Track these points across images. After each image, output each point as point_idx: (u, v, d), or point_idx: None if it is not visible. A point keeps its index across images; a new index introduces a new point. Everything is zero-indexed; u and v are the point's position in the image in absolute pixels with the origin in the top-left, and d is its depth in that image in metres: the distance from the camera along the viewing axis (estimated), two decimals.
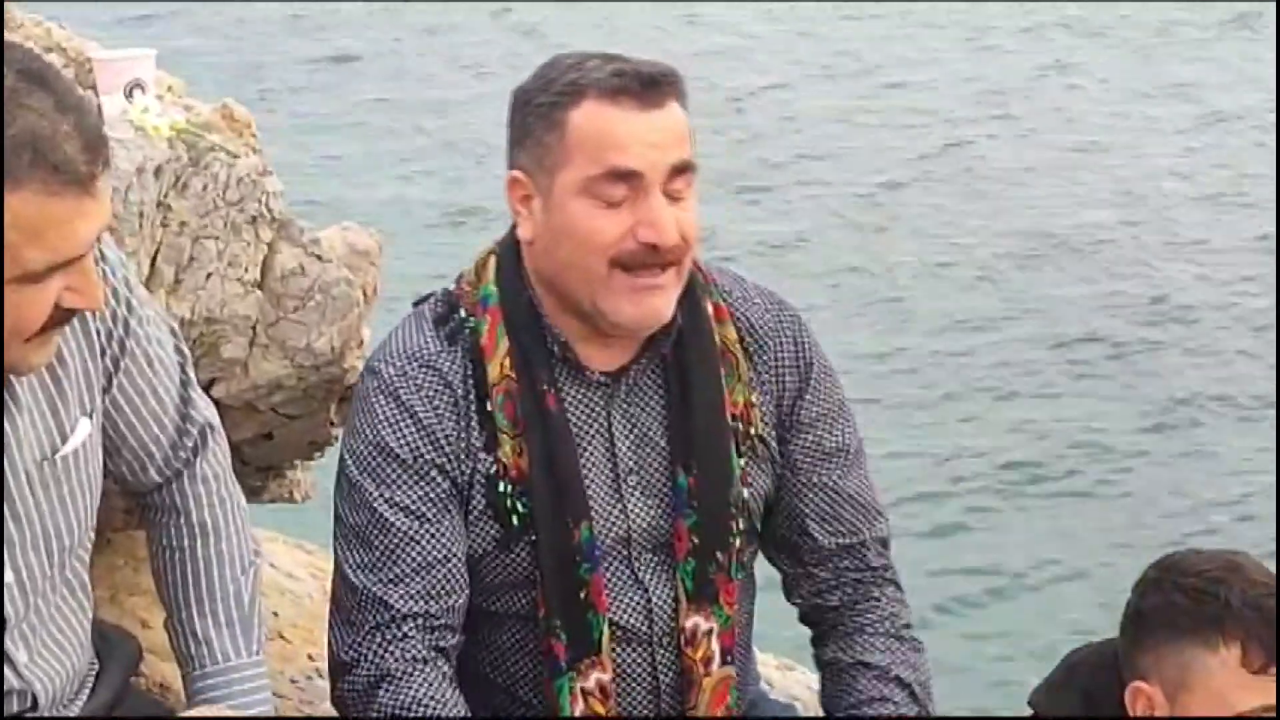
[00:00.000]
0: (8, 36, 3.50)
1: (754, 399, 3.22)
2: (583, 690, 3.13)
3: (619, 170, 2.98)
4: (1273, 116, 19.33)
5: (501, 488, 3.09)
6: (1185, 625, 3.21)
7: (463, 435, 3.11)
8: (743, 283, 3.32)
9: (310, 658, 3.75)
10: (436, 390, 3.10)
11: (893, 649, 3.31)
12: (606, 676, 3.13)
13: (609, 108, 2.98)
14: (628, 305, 3.03)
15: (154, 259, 3.57)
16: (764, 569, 3.42)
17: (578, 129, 2.99)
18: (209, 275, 3.65)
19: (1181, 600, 3.23)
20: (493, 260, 3.17)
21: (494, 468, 3.10)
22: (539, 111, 3.05)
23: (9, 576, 2.73)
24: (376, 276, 3.95)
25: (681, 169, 3.01)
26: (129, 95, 3.65)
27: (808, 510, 3.29)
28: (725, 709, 3.23)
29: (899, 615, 3.35)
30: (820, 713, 3.52)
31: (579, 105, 2.99)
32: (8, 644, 2.76)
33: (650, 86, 3.01)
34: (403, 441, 3.08)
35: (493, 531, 3.11)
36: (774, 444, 3.26)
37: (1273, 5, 21.72)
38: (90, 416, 2.83)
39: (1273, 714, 3.22)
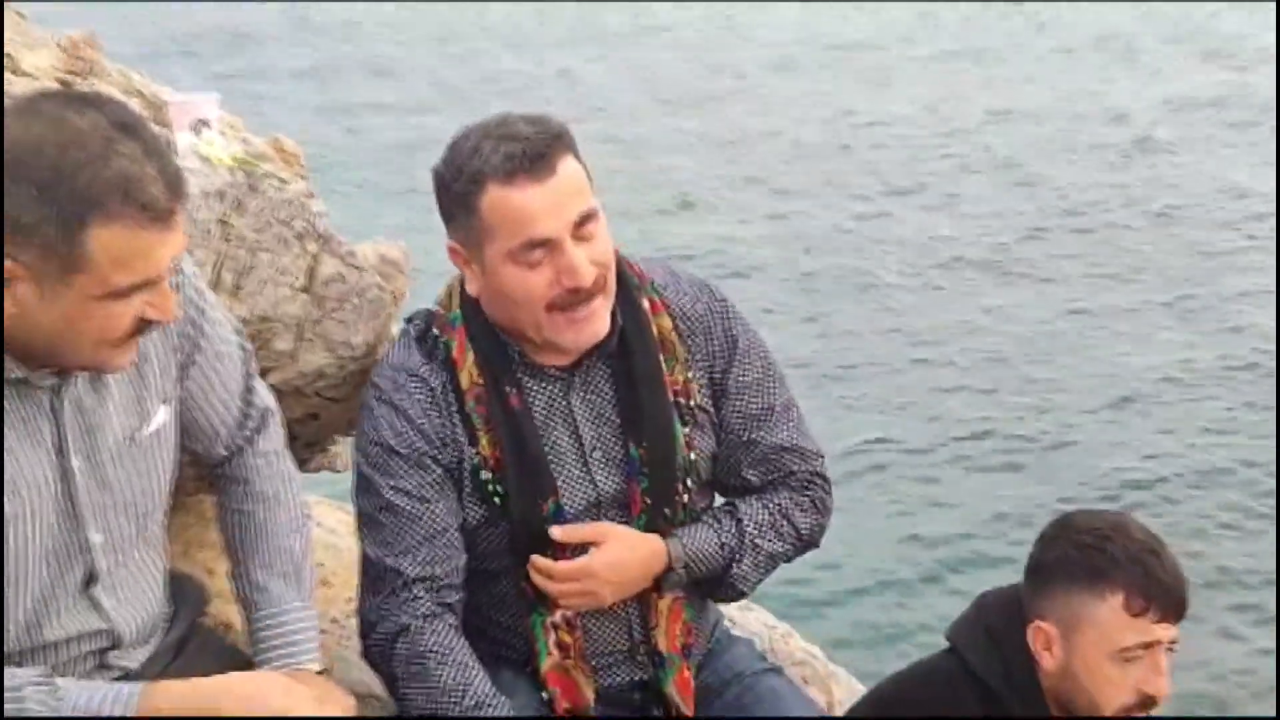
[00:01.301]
0: (98, 86, 3.49)
1: (690, 375, 3.23)
2: (552, 624, 3.16)
3: (532, 240, 2.98)
4: None
5: (483, 475, 3.13)
6: (1078, 575, 3.25)
7: (448, 431, 3.13)
8: (675, 276, 3.32)
9: (348, 600, 3.70)
10: (423, 396, 3.13)
11: (763, 503, 3.33)
12: (570, 612, 3.17)
13: (510, 191, 2.97)
14: (569, 334, 3.07)
15: (218, 268, 3.54)
16: None
17: (489, 214, 3.00)
18: (264, 282, 3.63)
19: (1075, 553, 3.28)
20: (458, 287, 3.20)
21: (476, 458, 3.13)
22: (455, 199, 3.06)
23: (99, 537, 2.77)
24: (404, 282, 3.92)
25: (584, 218, 3.02)
26: (196, 131, 3.63)
27: (743, 460, 3.32)
28: (683, 623, 3.25)
29: (781, 506, 3.34)
30: (769, 642, 3.58)
31: (485, 192, 2.98)
32: (98, 591, 2.80)
33: (538, 160, 2.98)
34: (400, 439, 3.11)
35: (480, 511, 3.15)
36: (712, 410, 3.28)
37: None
38: (167, 403, 2.85)
39: (1154, 645, 3.26)
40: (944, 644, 3.44)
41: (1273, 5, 22.29)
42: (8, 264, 2.51)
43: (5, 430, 2.66)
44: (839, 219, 16.81)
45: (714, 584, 3.30)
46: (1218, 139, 19.83)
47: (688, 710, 3.25)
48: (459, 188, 3.04)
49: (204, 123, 3.70)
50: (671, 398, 3.21)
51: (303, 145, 3.96)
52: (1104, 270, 15.40)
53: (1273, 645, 9.33)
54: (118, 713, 2.58)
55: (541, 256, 3.00)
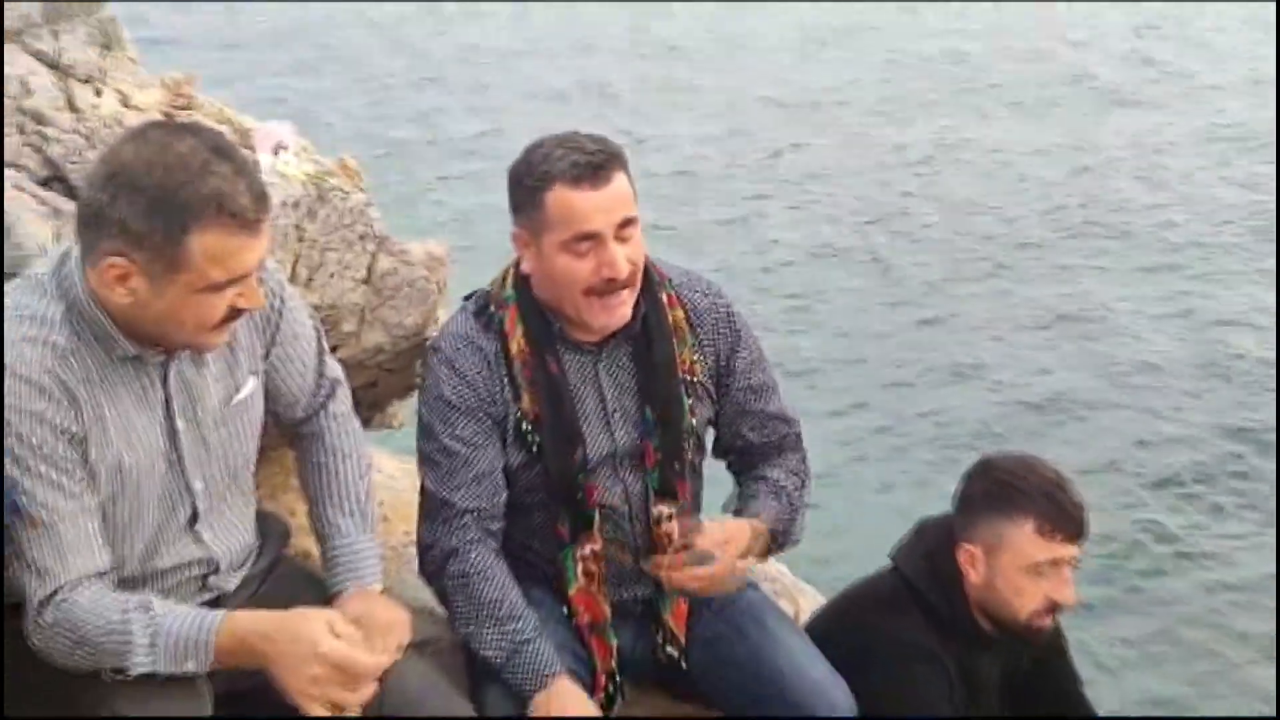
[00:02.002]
0: (196, 117, 3.51)
1: (696, 358, 3.22)
2: (580, 557, 3.15)
3: (583, 234, 2.98)
4: None
5: (524, 427, 3.10)
6: (998, 505, 3.26)
7: (497, 389, 3.11)
8: (689, 276, 3.30)
9: (405, 533, 3.71)
10: (477, 359, 3.11)
11: (784, 469, 3.35)
12: (597, 546, 3.15)
13: (572, 191, 2.97)
14: (601, 316, 3.06)
15: (295, 265, 3.56)
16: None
17: (551, 208, 2.99)
18: (331, 276, 3.65)
19: (995, 488, 3.29)
20: (512, 272, 3.18)
21: (519, 412, 3.10)
22: (525, 193, 3.04)
23: (200, 484, 2.77)
24: (446, 274, 3.91)
25: (626, 222, 3.02)
26: (275, 153, 3.66)
27: (744, 426, 3.32)
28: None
29: (795, 468, 3.36)
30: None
31: (550, 190, 2.98)
32: (199, 527, 2.80)
33: (598, 171, 2.99)
34: (457, 393, 3.09)
35: (520, 456, 3.12)
36: (711, 387, 3.27)
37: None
38: (255, 375, 2.85)
39: (1060, 561, 3.25)
40: (888, 564, 3.44)
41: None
42: (124, 262, 2.52)
43: (123, 397, 2.67)
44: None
45: (782, 543, 3.32)
46: None
47: (679, 634, 3.25)
48: (530, 183, 3.02)
49: (282, 146, 3.74)
50: (680, 375, 3.21)
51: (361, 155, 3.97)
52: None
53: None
54: (203, 636, 2.57)
55: (588, 249, 2.99)
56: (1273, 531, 9.43)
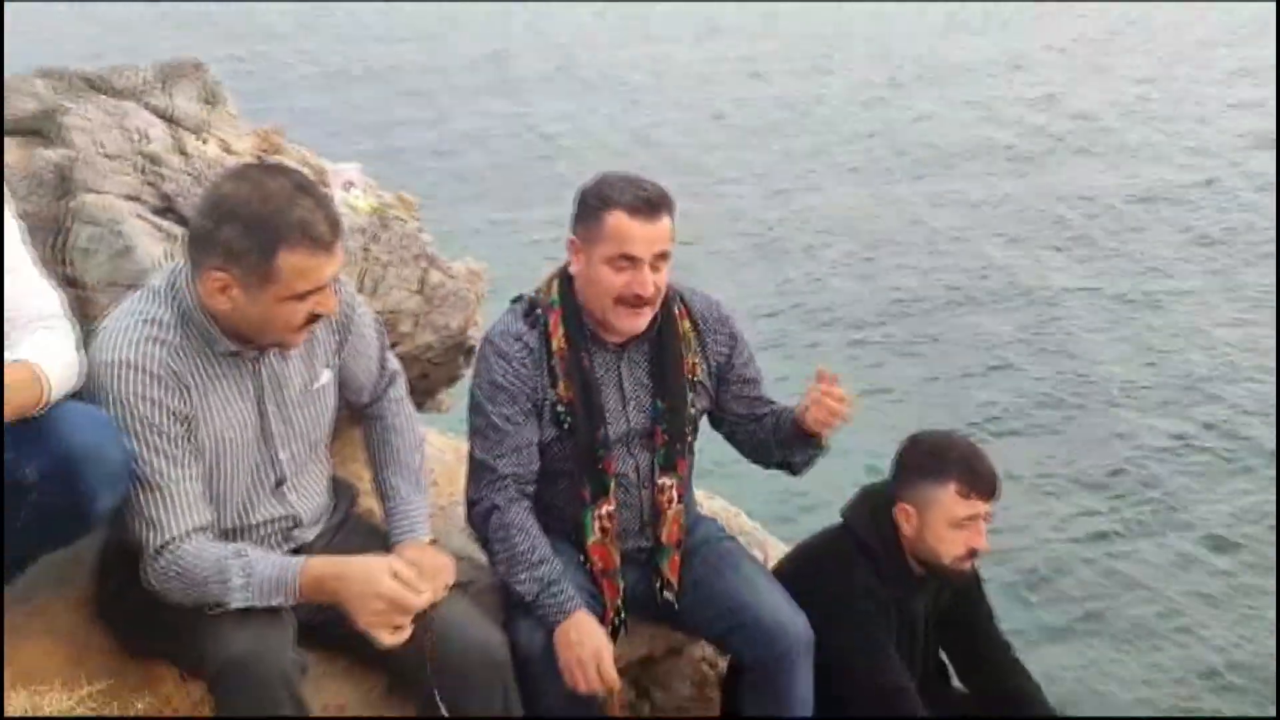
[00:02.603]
0: (282, 160, 3.50)
1: (699, 360, 3.23)
2: (597, 516, 3.14)
3: (627, 254, 2.99)
4: None
5: (559, 408, 3.10)
6: (926, 472, 3.26)
7: (537, 377, 3.10)
8: (695, 293, 3.29)
9: (450, 495, 3.70)
10: (523, 351, 3.10)
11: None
12: (611, 508, 3.14)
13: (628, 219, 2.98)
14: (624, 322, 3.07)
15: (362, 278, 3.56)
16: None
17: (608, 227, 2.99)
18: (391, 287, 3.63)
19: (924, 459, 3.31)
20: (556, 281, 3.16)
21: (554, 396, 3.10)
22: (589, 210, 3.04)
23: (285, 455, 2.78)
24: (483, 287, 3.90)
25: (662, 255, 3.03)
26: (346, 189, 3.65)
27: (739, 406, 3.30)
28: (680, 527, 3.23)
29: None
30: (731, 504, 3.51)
31: (611, 213, 2.99)
32: (285, 490, 2.81)
33: (653, 209, 3.00)
34: (504, 378, 3.08)
35: (553, 432, 3.11)
36: (709, 384, 3.27)
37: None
38: (329, 368, 2.86)
39: (976, 516, 3.25)
40: (839, 520, 3.44)
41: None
42: (225, 276, 2.53)
43: (223, 385, 2.68)
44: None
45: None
46: None
47: (674, 581, 3.24)
48: (594, 203, 3.03)
49: (351, 183, 3.72)
50: (685, 374, 3.20)
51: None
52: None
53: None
54: (288, 577, 2.58)
55: (626, 266, 3.01)
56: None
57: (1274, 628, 7.45)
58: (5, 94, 3.49)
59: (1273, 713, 6.50)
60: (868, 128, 18.57)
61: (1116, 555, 8.27)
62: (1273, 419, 9.73)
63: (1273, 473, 8.97)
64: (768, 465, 3.37)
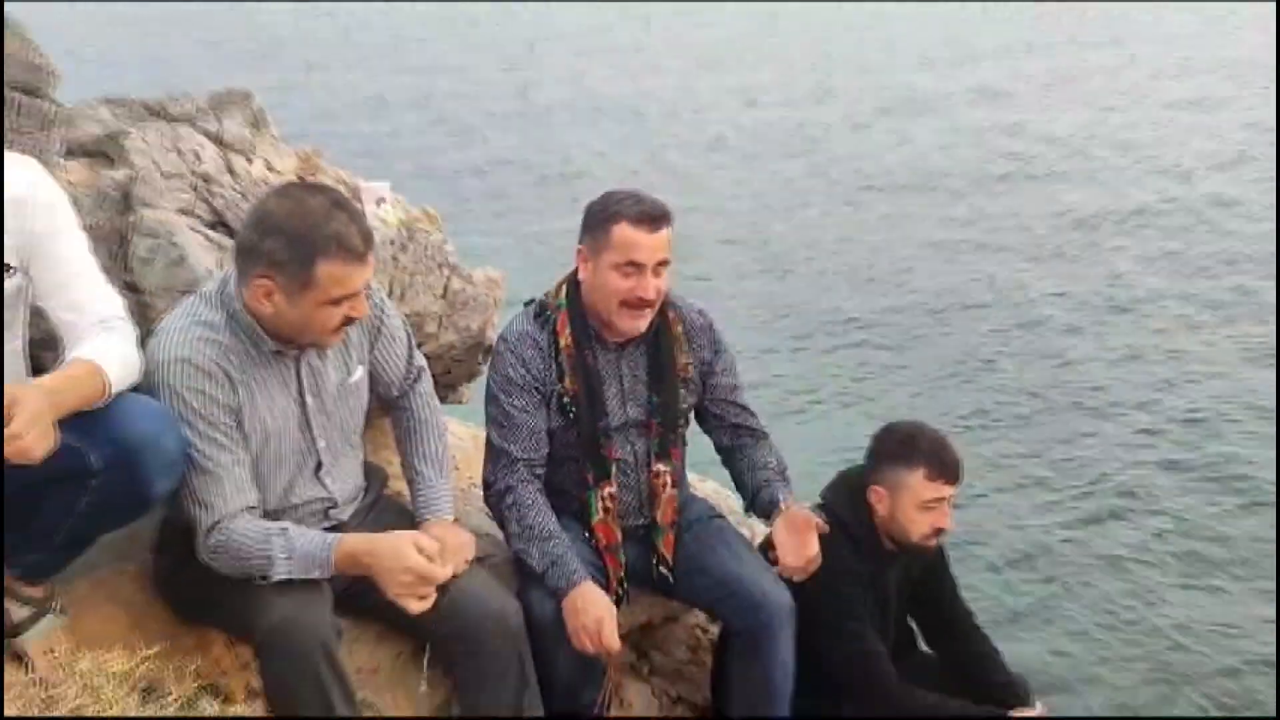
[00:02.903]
0: (321, 179, 3.48)
1: (689, 360, 3.22)
2: (601, 497, 3.14)
3: (632, 261, 3.01)
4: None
5: (565, 400, 3.10)
6: (899, 458, 3.26)
7: (547, 371, 3.10)
8: (685, 300, 3.29)
9: (470, 478, 3.68)
10: (534, 349, 3.11)
11: (774, 457, 3.31)
12: (613, 489, 3.15)
13: (633, 229, 3.00)
14: (626, 323, 3.08)
15: (391, 285, 3.54)
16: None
17: (614, 238, 3.01)
18: (418, 293, 3.62)
19: (895, 447, 3.30)
20: (565, 286, 3.17)
21: (561, 389, 3.10)
22: (597, 221, 3.06)
23: (323, 443, 2.79)
24: (501, 293, 3.88)
25: (663, 262, 3.04)
26: (377, 205, 3.63)
27: (719, 408, 3.31)
28: (674, 509, 3.23)
29: (771, 450, 3.32)
30: (727, 496, 3.45)
31: (617, 225, 3.01)
32: (323, 474, 2.81)
33: (655, 221, 3.01)
34: (516, 372, 3.09)
35: (560, 420, 3.12)
36: (698, 384, 3.27)
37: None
38: (363, 364, 2.86)
39: (942, 499, 3.24)
40: (819, 501, 3.43)
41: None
42: (269, 283, 2.54)
43: (268, 380, 2.68)
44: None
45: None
46: None
47: (669, 557, 3.23)
48: (601, 216, 3.04)
49: (382, 199, 3.69)
50: (677, 372, 3.20)
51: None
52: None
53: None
54: (325, 552, 2.60)
55: (631, 272, 3.02)
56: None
57: (1226, 598, 7.34)
58: (73, 119, 3.49)
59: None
60: (855, 151, 18.42)
61: (1088, 540, 8.16)
62: (1232, 416, 9.64)
63: (1235, 464, 8.86)
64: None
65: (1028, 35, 25.99)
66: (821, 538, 3.21)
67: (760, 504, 3.23)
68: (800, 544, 3.08)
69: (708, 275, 12.72)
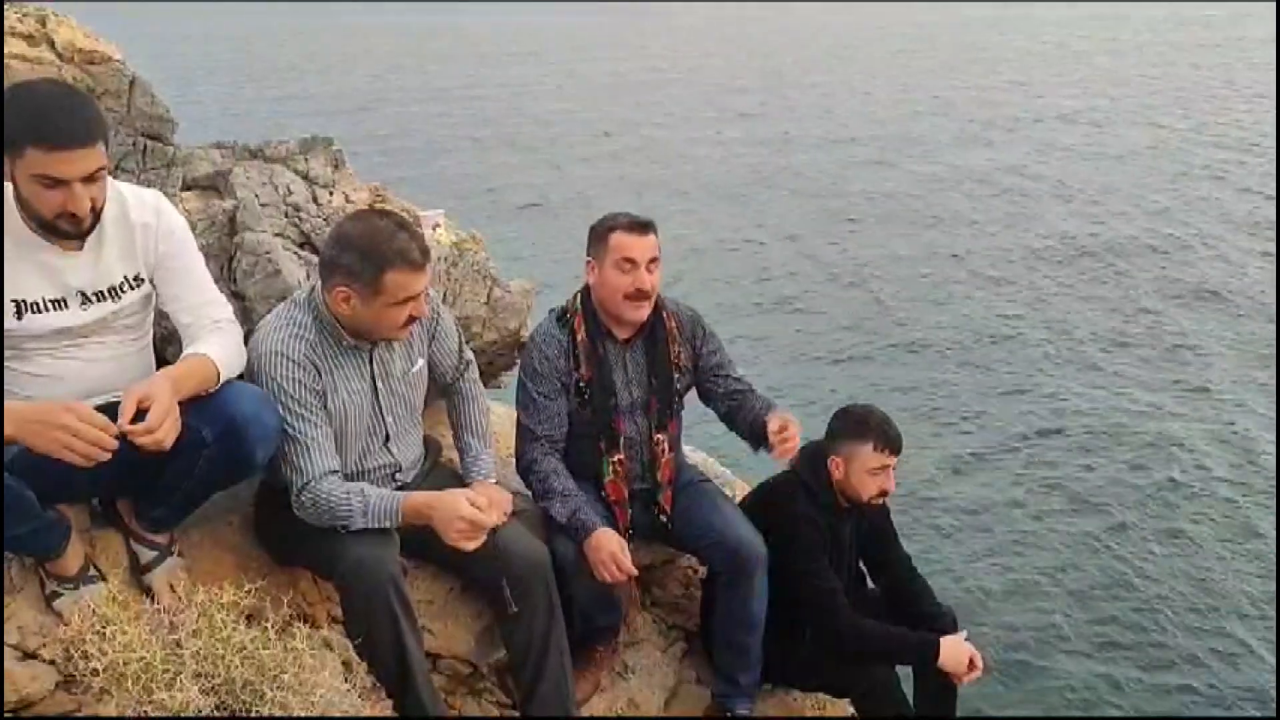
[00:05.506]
0: (388, 207, 3.44)
1: (681, 350, 3.18)
2: (611, 462, 3.11)
3: (628, 259, 2.99)
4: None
5: (581, 385, 3.07)
6: (852, 433, 3.20)
7: (566, 362, 3.07)
8: (675, 301, 3.25)
9: (507, 449, 3.52)
10: (556, 347, 3.07)
11: (757, 399, 3.20)
12: (621, 457, 3.11)
13: (626, 235, 3.00)
14: (630, 313, 3.04)
15: (444, 293, 3.52)
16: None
17: (612, 243, 3.00)
18: (466, 300, 3.59)
19: (850, 424, 3.21)
20: (580, 294, 3.14)
21: (577, 375, 3.07)
22: (598, 235, 3.05)
23: (390, 419, 2.75)
24: (532, 299, 3.84)
25: (653, 260, 3.02)
26: (433, 229, 3.60)
27: (715, 383, 3.25)
28: (671, 470, 3.19)
29: (759, 398, 3.21)
30: (721, 470, 3.39)
31: (614, 233, 3.00)
32: (390, 444, 2.78)
33: (643, 227, 3.02)
34: (541, 364, 3.06)
35: (576, 402, 3.08)
36: (689, 369, 3.22)
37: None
38: (423, 357, 2.84)
39: (887, 466, 3.17)
40: (789, 467, 3.39)
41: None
42: (346, 290, 2.53)
43: (346, 369, 2.67)
44: None
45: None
46: None
47: (667, 509, 3.21)
48: (601, 230, 3.05)
49: (437, 224, 3.66)
50: (671, 360, 3.17)
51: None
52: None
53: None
54: (394, 506, 2.58)
55: (629, 269, 3.00)
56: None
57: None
58: (190, 160, 3.48)
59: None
60: (847, 186, 18.08)
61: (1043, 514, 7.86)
62: (1183, 408, 9.29)
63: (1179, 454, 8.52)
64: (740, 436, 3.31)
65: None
66: (790, 495, 3.18)
67: (755, 433, 3.12)
68: (785, 422, 3.00)
69: (705, 280, 12.39)
